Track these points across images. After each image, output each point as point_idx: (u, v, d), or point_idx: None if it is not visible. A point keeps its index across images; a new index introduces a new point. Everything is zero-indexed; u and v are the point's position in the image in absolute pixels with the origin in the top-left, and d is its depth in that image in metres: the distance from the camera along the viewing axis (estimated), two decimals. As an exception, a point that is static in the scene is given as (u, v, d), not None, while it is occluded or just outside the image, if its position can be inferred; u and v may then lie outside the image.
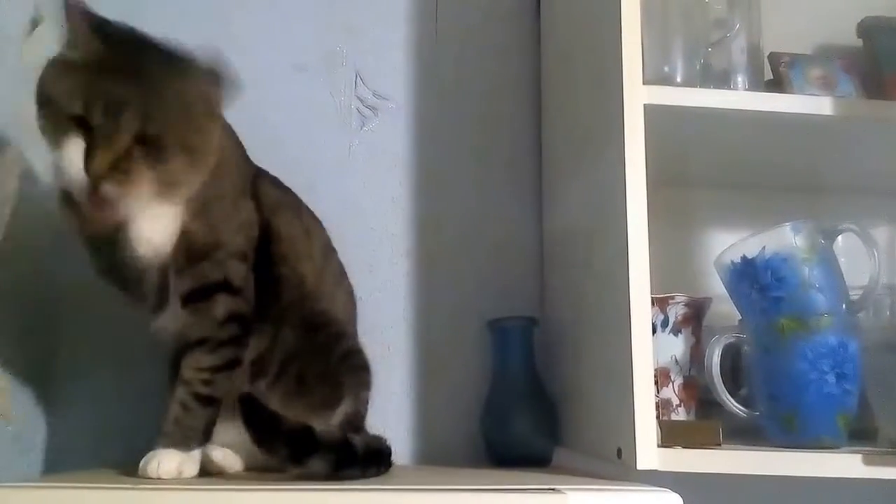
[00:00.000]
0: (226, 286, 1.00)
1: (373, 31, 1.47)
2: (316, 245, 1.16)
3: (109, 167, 0.88)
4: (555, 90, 1.42)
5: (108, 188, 0.88)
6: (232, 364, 1.01)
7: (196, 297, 0.99)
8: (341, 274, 1.21)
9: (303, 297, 1.09)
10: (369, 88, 1.45)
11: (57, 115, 0.89)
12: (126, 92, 0.89)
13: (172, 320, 1.02)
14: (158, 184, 0.92)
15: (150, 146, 0.90)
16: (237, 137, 1.08)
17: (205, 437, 0.99)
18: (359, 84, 1.45)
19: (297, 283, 1.09)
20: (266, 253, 1.06)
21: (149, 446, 0.96)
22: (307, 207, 1.18)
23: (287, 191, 1.16)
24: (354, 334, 1.20)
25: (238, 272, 1.01)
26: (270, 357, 1.07)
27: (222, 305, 1.00)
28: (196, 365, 0.98)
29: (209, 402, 0.99)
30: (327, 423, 1.07)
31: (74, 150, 0.88)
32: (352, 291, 1.23)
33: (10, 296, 1.11)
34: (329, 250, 1.20)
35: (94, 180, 0.88)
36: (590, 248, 1.19)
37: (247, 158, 1.10)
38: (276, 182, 1.14)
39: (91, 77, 0.89)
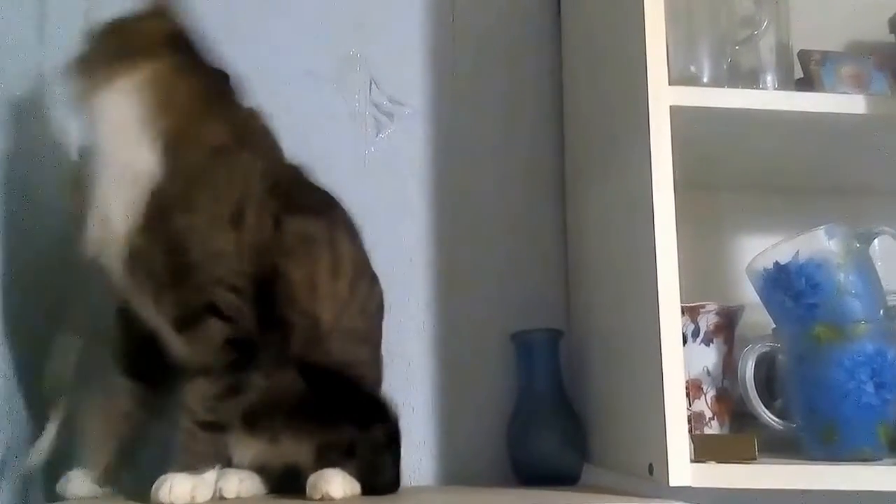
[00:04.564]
0: (214, 310, 0.99)
1: (387, 34, 1.46)
2: (342, 280, 1.10)
3: None
4: (577, 92, 1.41)
5: None
6: (233, 391, 1.00)
7: (186, 322, 0.99)
8: (368, 294, 1.15)
9: (316, 341, 1.07)
10: (384, 94, 1.43)
11: None
12: None
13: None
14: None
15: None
16: (245, 168, 1.04)
17: (216, 459, 0.99)
18: (373, 89, 1.43)
19: (310, 326, 1.06)
20: (271, 293, 1.04)
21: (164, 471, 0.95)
22: (347, 228, 1.13)
23: (322, 217, 1.10)
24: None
25: (226, 301, 1.00)
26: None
27: (216, 330, 0.99)
28: (197, 393, 0.98)
29: (214, 427, 0.98)
30: None
31: None
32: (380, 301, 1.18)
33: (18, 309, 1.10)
34: (358, 277, 1.13)
35: None
36: (616, 255, 1.18)
37: (235, 184, 1.04)
38: (312, 208, 1.10)
39: None
